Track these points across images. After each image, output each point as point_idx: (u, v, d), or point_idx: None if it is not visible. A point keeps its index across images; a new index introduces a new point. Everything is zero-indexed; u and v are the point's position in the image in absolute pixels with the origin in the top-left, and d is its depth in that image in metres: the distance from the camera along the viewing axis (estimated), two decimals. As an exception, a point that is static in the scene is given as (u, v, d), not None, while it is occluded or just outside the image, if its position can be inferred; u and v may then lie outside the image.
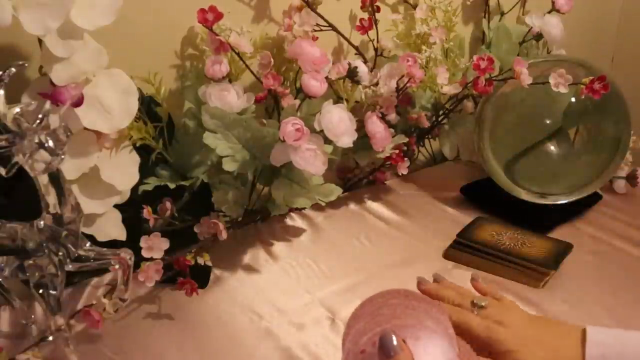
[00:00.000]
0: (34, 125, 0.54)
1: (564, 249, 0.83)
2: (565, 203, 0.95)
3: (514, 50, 1.09)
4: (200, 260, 0.74)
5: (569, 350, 0.52)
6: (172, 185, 0.78)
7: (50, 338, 0.64)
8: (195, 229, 0.78)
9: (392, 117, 0.94)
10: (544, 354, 0.52)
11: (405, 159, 0.97)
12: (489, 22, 1.14)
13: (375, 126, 0.89)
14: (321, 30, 0.92)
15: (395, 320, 0.44)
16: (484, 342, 0.52)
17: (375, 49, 0.99)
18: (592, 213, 0.97)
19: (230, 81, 0.81)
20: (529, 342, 0.53)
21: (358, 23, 0.97)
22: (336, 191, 0.86)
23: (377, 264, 0.84)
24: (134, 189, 0.76)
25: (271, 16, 0.92)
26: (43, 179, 0.57)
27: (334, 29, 0.94)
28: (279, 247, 0.88)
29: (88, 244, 0.64)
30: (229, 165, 0.77)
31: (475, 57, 0.90)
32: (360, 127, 0.87)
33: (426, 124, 1.01)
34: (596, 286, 0.78)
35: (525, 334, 0.53)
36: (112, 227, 0.74)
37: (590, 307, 0.74)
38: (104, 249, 0.65)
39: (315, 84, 0.78)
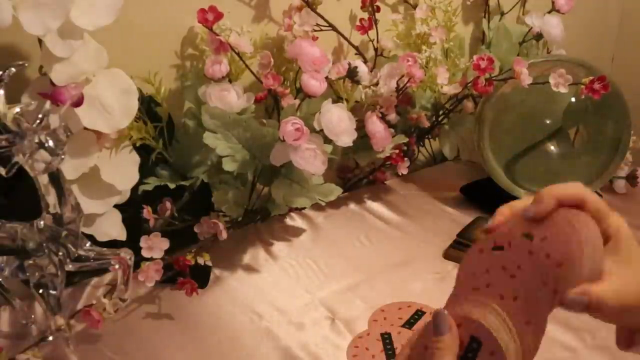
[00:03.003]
0: (34, 125, 0.54)
1: (564, 249, 0.83)
2: (565, 203, 0.94)
3: (514, 50, 1.09)
4: (200, 260, 0.74)
5: None
6: (172, 185, 0.78)
7: (50, 338, 0.64)
8: (195, 229, 0.78)
9: (392, 117, 0.93)
10: None
11: (405, 159, 0.97)
12: (489, 22, 1.14)
13: (375, 126, 0.89)
14: (321, 30, 0.92)
15: None
16: None
17: (375, 49, 0.99)
18: (592, 213, 0.97)
19: (230, 81, 0.81)
20: None
21: (358, 23, 0.97)
22: (336, 191, 0.86)
23: (377, 264, 0.84)
24: (134, 189, 0.76)
25: (271, 16, 0.92)
26: (43, 179, 0.57)
27: (334, 29, 0.94)
28: (278, 246, 0.88)
29: (88, 244, 0.64)
30: (229, 165, 0.77)
31: (475, 57, 0.90)
32: (360, 127, 0.87)
33: (426, 124, 1.01)
34: (596, 286, 0.78)
35: None
36: (112, 227, 0.74)
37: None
38: (104, 249, 0.65)
39: (315, 84, 0.78)
